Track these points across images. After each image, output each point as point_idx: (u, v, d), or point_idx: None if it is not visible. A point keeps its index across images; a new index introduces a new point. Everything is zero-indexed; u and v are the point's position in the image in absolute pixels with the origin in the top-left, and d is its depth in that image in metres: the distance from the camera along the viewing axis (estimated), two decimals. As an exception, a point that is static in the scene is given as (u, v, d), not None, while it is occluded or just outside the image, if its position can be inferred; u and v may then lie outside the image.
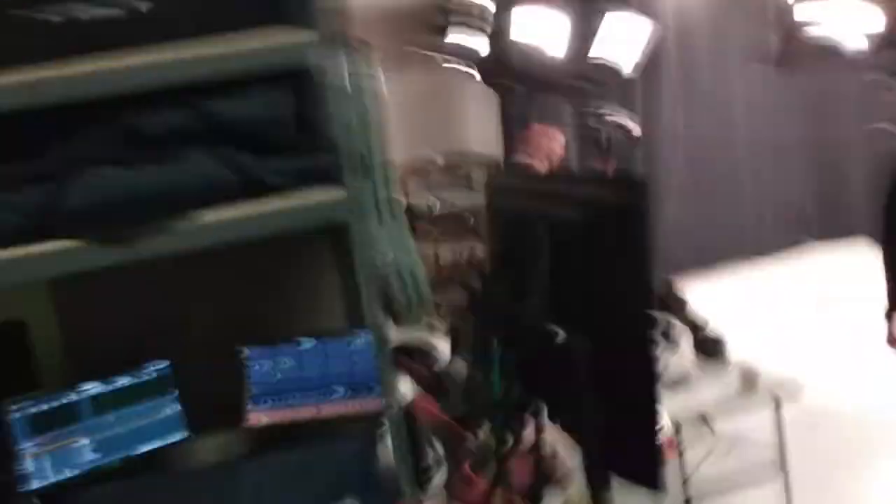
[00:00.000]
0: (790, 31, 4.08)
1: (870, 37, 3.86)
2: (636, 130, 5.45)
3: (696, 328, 3.84)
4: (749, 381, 3.32)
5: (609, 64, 5.41)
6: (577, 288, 1.93)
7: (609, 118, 5.37)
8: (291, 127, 1.96)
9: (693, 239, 7.34)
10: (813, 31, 3.94)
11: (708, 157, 7.44)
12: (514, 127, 6.52)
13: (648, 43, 5.64)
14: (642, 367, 1.81)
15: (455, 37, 5.62)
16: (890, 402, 4.28)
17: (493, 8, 5.54)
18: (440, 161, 7.27)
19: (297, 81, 1.95)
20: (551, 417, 2.14)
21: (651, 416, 1.82)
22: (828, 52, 3.91)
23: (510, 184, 2.67)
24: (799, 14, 4.06)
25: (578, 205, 1.88)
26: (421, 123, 7.48)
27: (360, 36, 2.13)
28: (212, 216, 1.86)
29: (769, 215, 7.68)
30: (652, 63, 6.68)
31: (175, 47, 1.87)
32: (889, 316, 3.02)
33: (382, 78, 2.27)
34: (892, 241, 3.01)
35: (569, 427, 2.08)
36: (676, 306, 3.99)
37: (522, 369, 2.12)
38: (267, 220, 1.90)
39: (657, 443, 1.87)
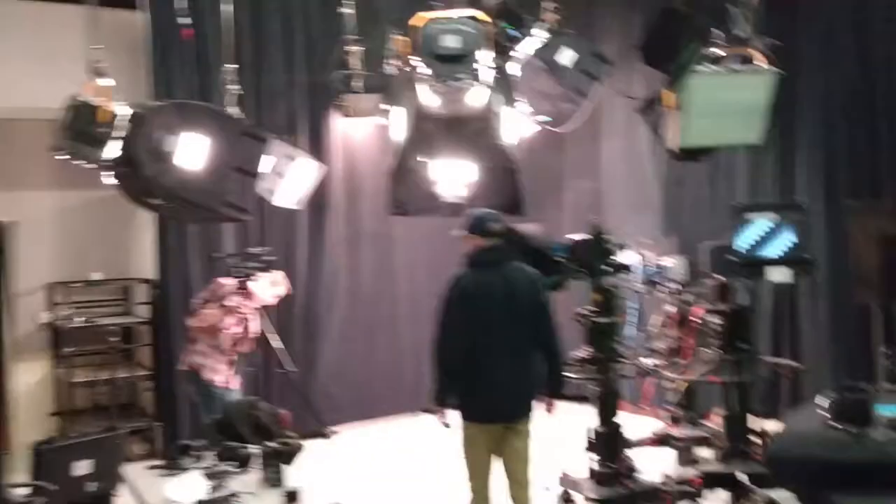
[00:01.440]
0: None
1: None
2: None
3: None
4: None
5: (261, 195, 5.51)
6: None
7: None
8: None
9: (352, 383, 7.50)
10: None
11: (371, 301, 7.63)
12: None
13: (312, 181, 5.83)
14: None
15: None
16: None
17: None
18: (101, 277, 7.43)
19: None
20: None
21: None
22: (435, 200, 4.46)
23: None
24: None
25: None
26: (79, 240, 7.51)
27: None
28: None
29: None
30: (318, 202, 7.12)
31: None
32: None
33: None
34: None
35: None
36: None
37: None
38: None
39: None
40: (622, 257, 4.81)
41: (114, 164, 5.05)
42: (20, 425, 7.36)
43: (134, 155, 5.07)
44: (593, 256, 4.58)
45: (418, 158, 4.35)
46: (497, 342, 4.04)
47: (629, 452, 5.09)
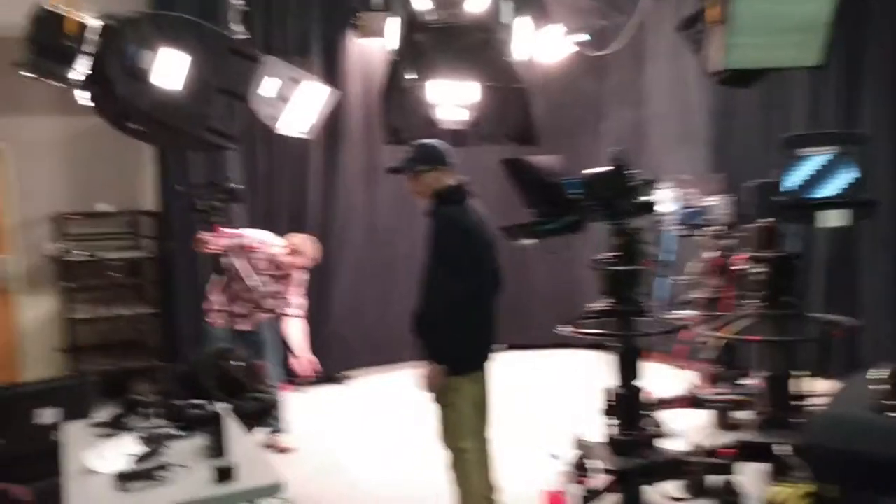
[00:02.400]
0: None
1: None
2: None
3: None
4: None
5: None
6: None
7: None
8: None
9: (366, 327, 7.05)
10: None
11: (388, 239, 7.04)
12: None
13: (323, 107, 5.10)
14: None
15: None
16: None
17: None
18: (107, 209, 6.94)
19: None
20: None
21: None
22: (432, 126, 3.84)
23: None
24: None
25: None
26: (86, 169, 7.04)
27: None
28: None
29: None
30: (332, 131, 6.59)
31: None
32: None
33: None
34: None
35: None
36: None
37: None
38: None
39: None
40: (653, 195, 4.15)
41: (86, 83, 4.57)
42: (28, 361, 7.14)
43: (106, 73, 4.58)
44: (614, 194, 3.94)
45: (410, 76, 3.77)
46: (493, 281, 3.63)
47: (656, 414, 4.56)
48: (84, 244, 6.96)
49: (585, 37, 5.30)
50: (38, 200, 7.03)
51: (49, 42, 4.40)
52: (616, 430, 4.11)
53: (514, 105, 4.01)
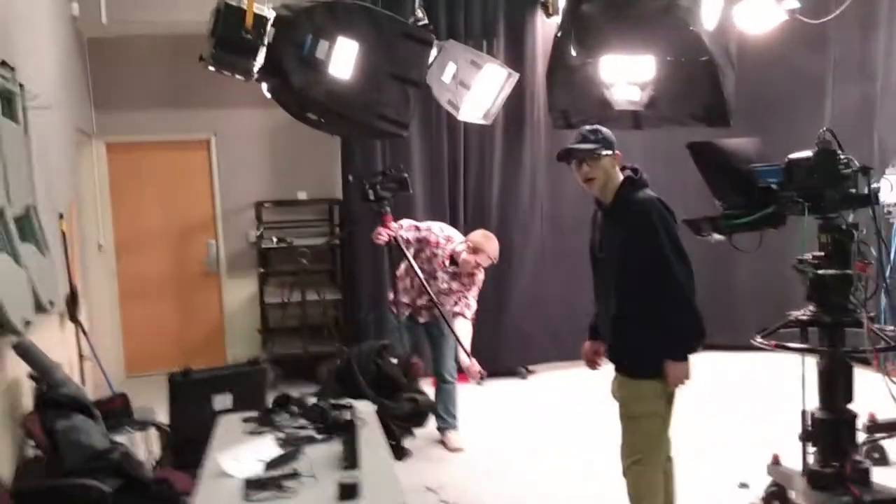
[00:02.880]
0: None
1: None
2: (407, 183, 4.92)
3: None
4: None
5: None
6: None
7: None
8: None
9: (548, 320, 6.71)
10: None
11: (572, 228, 6.53)
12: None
13: (501, 92, 4.89)
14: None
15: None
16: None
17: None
18: (304, 198, 7.29)
19: None
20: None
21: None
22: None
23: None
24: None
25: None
26: (287, 159, 7.35)
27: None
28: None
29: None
30: (515, 116, 6.35)
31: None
32: None
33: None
34: None
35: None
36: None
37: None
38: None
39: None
40: (872, 185, 3.50)
41: (261, 75, 4.60)
42: (231, 340, 7.53)
43: (281, 63, 4.59)
44: (820, 183, 3.35)
45: (577, 52, 3.38)
46: None
47: (872, 441, 3.91)
48: (282, 231, 7.21)
49: (794, 3, 4.62)
50: (243, 189, 7.37)
51: (229, 35, 4.45)
52: (816, 460, 3.54)
53: (700, 81, 3.51)
